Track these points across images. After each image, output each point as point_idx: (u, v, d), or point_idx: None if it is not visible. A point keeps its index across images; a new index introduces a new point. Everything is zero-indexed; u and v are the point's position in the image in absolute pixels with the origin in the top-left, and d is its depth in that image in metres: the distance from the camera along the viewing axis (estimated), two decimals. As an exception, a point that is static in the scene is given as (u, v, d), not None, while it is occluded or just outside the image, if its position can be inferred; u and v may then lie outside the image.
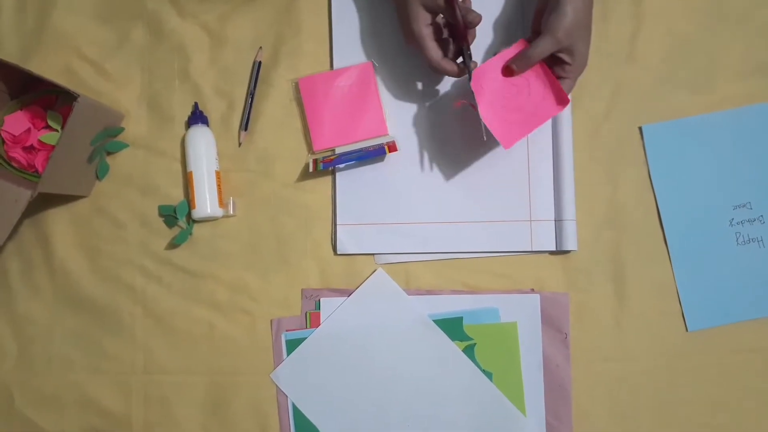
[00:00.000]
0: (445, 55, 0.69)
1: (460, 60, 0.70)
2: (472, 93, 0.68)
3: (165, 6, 0.79)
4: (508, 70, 0.67)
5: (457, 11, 0.65)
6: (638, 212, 0.76)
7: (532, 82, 0.68)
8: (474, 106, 0.68)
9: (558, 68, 0.67)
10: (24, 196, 0.66)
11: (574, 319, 0.75)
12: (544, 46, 0.65)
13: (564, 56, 0.66)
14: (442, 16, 0.68)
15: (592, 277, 0.76)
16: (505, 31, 0.76)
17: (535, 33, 0.68)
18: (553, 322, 0.75)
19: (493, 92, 0.68)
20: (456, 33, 0.68)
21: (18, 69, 0.69)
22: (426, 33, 0.67)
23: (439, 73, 0.71)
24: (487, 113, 0.68)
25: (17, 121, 0.75)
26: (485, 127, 0.68)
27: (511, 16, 0.76)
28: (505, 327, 0.75)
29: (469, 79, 0.68)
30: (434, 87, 0.77)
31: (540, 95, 0.68)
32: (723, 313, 0.75)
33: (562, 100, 0.67)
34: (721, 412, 0.74)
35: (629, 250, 0.76)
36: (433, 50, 0.68)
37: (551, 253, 0.76)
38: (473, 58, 0.69)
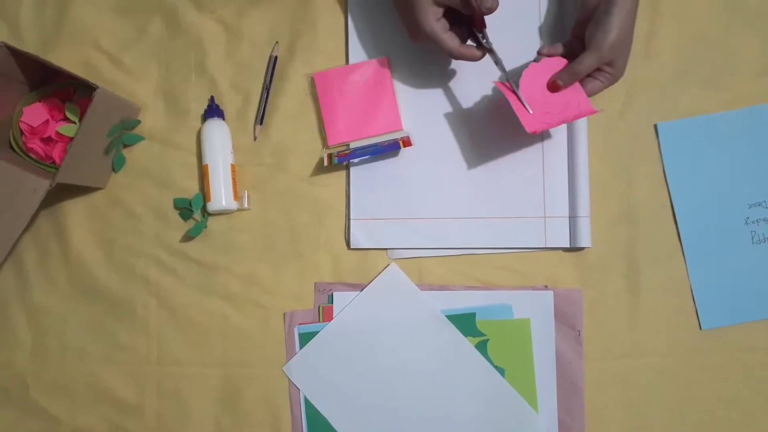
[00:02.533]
0: (461, 41, 0.69)
1: (470, 43, 0.70)
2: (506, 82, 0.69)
3: (182, 0, 0.79)
4: (553, 85, 0.68)
5: (473, 1, 0.65)
6: (653, 210, 0.76)
7: (568, 93, 0.69)
8: (511, 91, 0.69)
9: (597, 74, 0.68)
10: (42, 186, 0.67)
11: (587, 316, 0.75)
12: (589, 62, 0.66)
13: (605, 67, 0.68)
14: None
15: (605, 274, 0.75)
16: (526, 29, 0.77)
17: (576, 38, 0.69)
18: (566, 319, 0.75)
19: (531, 92, 0.70)
20: (470, 21, 0.68)
21: (38, 61, 0.70)
22: (438, 28, 0.67)
23: (460, 60, 0.70)
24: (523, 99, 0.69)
25: (36, 113, 0.75)
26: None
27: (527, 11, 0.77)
28: (518, 323, 0.75)
29: (494, 58, 0.69)
30: (449, 83, 0.77)
31: (578, 99, 0.69)
32: (737, 312, 0.75)
33: (590, 111, 0.69)
34: (735, 410, 0.74)
35: (643, 247, 0.75)
36: (450, 41, 0.68)
37: (565, 249, 0.76)
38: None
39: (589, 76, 0.69)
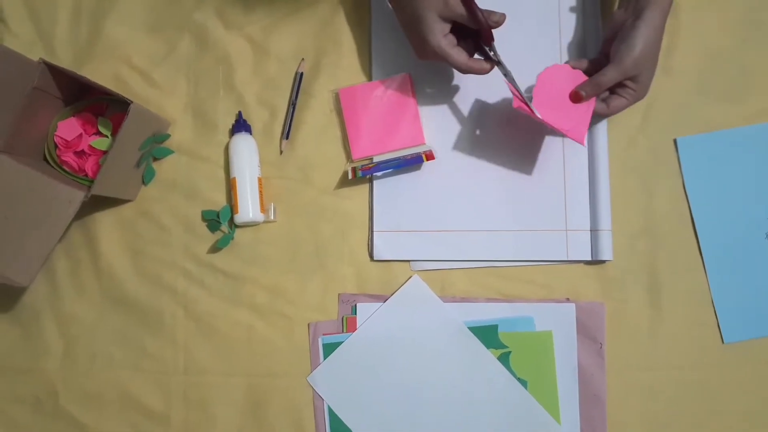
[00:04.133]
0: (468, 55, 0.70)
1: (477, 56, 0.71)
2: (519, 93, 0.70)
3: (211, 18, 0.81)
4: (576, 96, 0.69)
5: (480, 15, 0.66)
6: (673, 223, 0.77)
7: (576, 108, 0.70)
8: (522, 102, 0.70)
9: (620, 90, 0.69)
10: (77, 197, 0.69)
11: (609, 328, 0.75)
12: (612, 75, 0.67)
13: (629, 83, 0.68)
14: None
15: (627, 287, 0.76)
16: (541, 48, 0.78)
17: (603, 56, 0.70)
18: (588, 332, 0.75)
19: (548, 94, 0.70)
20: (478, 35, 0.69)
21: (73, 77, 0.73)
22: (445, 43, 0.68)
23: (468, 74, 0.71)
24: (540, 107, 0.70)
25: (70, 127, 0.78)
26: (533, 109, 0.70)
27: (546, 33, 0.78)
28: (541, 335, 0.76)
29: (503, 71, 0.70)
30: (470, 97, 0.79)
31: (580, 118, 0.70)
32: (760, 326, 0.75)
33: (580, 139, 0.70)
34: (758, 424, 0.74)
35: (665, 260, 0.76)
36: (458, 56, 0.68)
37: (587, 262, 0.76)
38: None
39: (613, 93, 0.70)
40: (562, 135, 0.75)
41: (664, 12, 0.66)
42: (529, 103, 0.69)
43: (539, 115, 0.69)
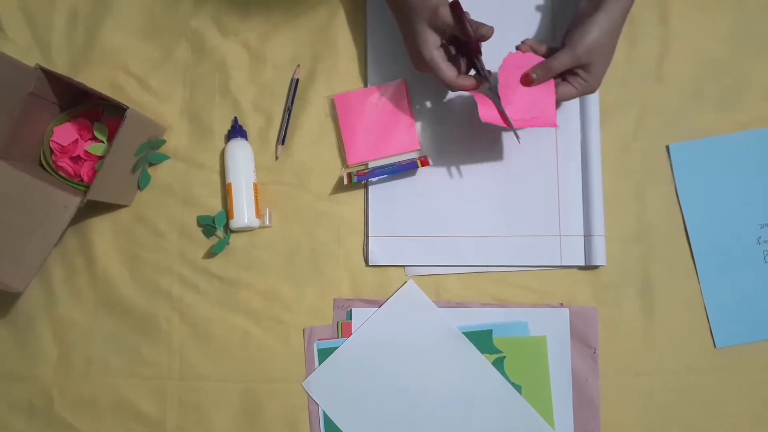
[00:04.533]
0: (459, 71, 0.70)
1: (471, 72, 0.72)
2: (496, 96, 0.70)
3: (208, 24, 0.82)
4: (527, 78, 0.69)
5: (468, 27, 0.66)
6: (666, 229, 0.77)
7: (540, 90, 0.70)
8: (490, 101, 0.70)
9: (571, 78, 0.69)
10: (73, 202, 0.69)
11: (602, 333, 0.76)
12: (563, 59, 0.67)
13: (580, 71, 0.68)
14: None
15: (620, 293, 0.77)
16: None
17: (563, 45, 0.69)
18: (582, 337, 0.76)
19: (509, 86, 0.70)
20: (467, 48, 0.69)
21: (70, 82, 0.73)
22: (437, 55, 0.68)
23: (457, 91, 0.72)
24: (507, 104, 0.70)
25: (66, 132, 0.78)
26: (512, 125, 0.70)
27: (541, 33, 0.79)
28: (535, 340, 0.76)
29: (489, 87, 0.70)
30: (465, 104, 0.79)
31: (545, 104, 0.70)
32: (751, 331, 0.76)
33: (551, 122, 0.70)
34: (750, 428, 0.75)
35: (657, 266, 0.77)
36: (448, 71, 0.69)
37: (580, 268, 0.77)
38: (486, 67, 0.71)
39: (564, 80, 0.69)
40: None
41: (625, 8, 0.67)
42: (510, 123, 0.70)
43: (513, 127, 0.70)
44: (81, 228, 0.80)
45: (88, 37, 0.83)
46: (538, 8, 0.80)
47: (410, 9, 0.67)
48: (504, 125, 0.70)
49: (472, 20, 0.67)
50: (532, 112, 0.70)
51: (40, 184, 0.70)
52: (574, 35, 0.66)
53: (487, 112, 0.69)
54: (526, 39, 0.71)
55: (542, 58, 0.70)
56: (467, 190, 0.78)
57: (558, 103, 0.70)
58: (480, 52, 0.69)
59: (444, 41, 0.69)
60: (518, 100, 0.70)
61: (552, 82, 0.69)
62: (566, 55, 0.67)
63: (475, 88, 0.70)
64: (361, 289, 0.78)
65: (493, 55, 0.70)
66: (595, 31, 0.65)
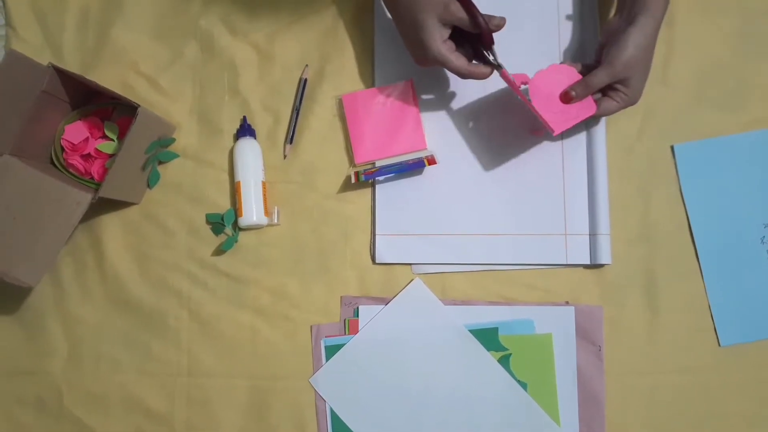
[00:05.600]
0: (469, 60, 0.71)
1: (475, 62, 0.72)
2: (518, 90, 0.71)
3: (217, 25, 0.83)
4: (566, 96, 0.70)
5: (481, 20, 0.67)
6: (671, 228, 0.78)
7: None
8: (526, 101, 0.72)
9: (612, 93, 0.70)
10: (85, 199, 0.70)
11: (607, 332, 0.77)
12: (602, 77, 0.68)
13: (620, 86, 0.69)
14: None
15: (625, 291, 0.77)
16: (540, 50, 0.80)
17: (597, 62, 0.71)
18: (587, 335, 0.76)
19: (544, 95, 0.71)
20: (477, 39, 0.70)
21: (82, 81, 0.74)
22: (445, 49, 0.69)
23: (468, 79, 0.72)
24: (539, 106, 0.71)
25: (77, 131, 0.79)
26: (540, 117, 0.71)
27: (545, 38, 0.80)
28: (540, 338, 0.77)
29: (503, 75, 0.71)
30: (471, 104, 0.80)
31: (568, 115, 0.71)
32: (755, 329, 0.77)
33: (559, 126, 0.71)
34: (754, 426, 0.75)
35: (662, 265, 0.77)
36: (458, 61, 0.70)
37: (586, 266, 0.78)
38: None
39: (604, 95, 0.71)
40: (546, 132, 0.76)
41: (657, 20, 0.68)
42: (525, 94, 0.71)
43: (531, 101, 0.70)
44: (91, 225, 0.81)
45: (99, 36, 0.83)
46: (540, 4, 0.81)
47: (418, 5, 0.68)
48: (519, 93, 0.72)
49: (482, 13, 0.68)
50: (551, 115, 0.71)
51: (52, 181, 0.70)
52: (611, 53, 0.68)
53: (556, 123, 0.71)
54: (563, 62, 0.73)
55: (574, 71, 0.71)
56: (474, 189, 0.79)
57: (599, 117, 0.73)
58: (493, 42, 0.69)
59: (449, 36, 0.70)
60: (552, 105, 0.71)
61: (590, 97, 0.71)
62: (604, 72, 0.68)
63: (487, 76, 0.71)
64: (368, 286, 0.79)
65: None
66: (630, 48, 0.67)
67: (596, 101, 0.71)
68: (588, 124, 0.78)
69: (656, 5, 0.67)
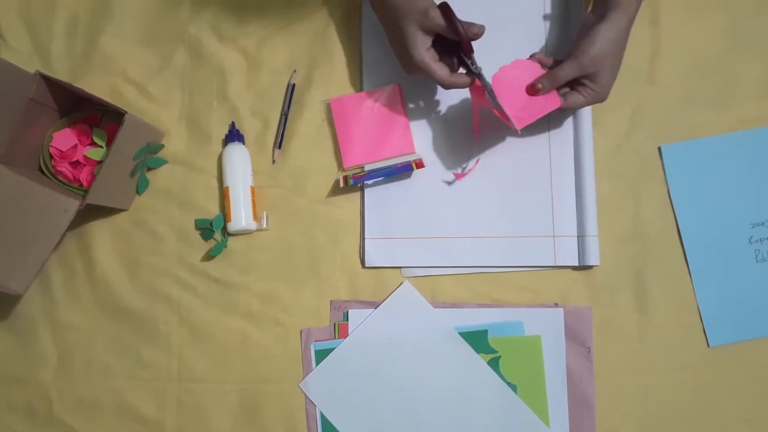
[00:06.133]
0: (451, 70, 0.71)
1: (461, 70, 0.72)
2: (490, 92, 0.71)
3: (206, 31, 0.83)
4: (533, 88, 0.70)
5: (460, 27, 0.67)
6: (659, 229, 0.78)
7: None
8: (489, 105, 0.71)
9: (580, 87, 0.70)
10: (73, 206, 0.70)
11: (597, 333, 0.77)
12: (569, 70, 0.68)
13: (587, 81, 0.69)
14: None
15: (614, 292, 0.77)
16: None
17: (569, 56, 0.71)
18: (576, 336, 0.77)
19: (508, 90, 0.71)
20: (459, 47, 0.70)
21: (69, 89, 0.74)
22: (428, 57, 0.69)
23: (450, 89, 0.73)
24: (504, 103, 0.71)
25: (65, 138, 0.79)
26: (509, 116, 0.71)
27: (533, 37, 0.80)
28: (530, 340, 0.77)
29: (483, 83, 0.71)
30: (459, 107, 0.80)
31: (533, 109, 0.71)
32: (743, 329, 0.77)
33: (521, 122, 0.71)
34: (746, 426, 0.75)
35: (650, 265, 0.78)
36: (441, 71, 0.70)
37: (574, 268, 0.78)
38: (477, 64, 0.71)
39: (572, 89, 0.71)
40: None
41: (629, 17, 0.68)
42: (503, 109, 0.70)
43: (509, 116, 0.70)
44: (80, 232, 0.81)
45: (88, 44, 0.84)
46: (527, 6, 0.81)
47: (398, 12, 0.68)
48: (501, 117, 0.72)
49: (462, 20, 0.68)
50: (530, 110, 0.71)
51: (40, 188, 0.70)
52: (580, 46, 0.68)
53: (482, 100, 0.71)
54: (535, 53, 0.73)
55: (538, 66, 0.71)
56: (462, 191, 0.79)
57: (568, 111, 0.72)
58: (472, 50, 0.70)
59: (433, 44, 0.70)
60: (516, 101, 0.71)
61: (554, 92, 0.71)
62: (571, 65, 0.68)
63: (468, 86, 0.71)
64: (358, 290, 0.79)
65: (485, 53, 0.71)
66: (599, 42, 0.67)
67: (563, 95, 0.71)
68: (575, 123, 0.78)
69: (628, 1, 0.67)
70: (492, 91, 0.71)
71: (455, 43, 0.70)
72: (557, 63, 0.71)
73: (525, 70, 0.71)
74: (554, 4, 0.80)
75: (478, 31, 0.69)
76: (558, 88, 0.71)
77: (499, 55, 0.71)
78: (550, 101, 0.71)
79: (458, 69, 0.73)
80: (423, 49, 0.69)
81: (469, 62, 0.71)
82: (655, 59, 0.80)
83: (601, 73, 0.69)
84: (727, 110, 0.79)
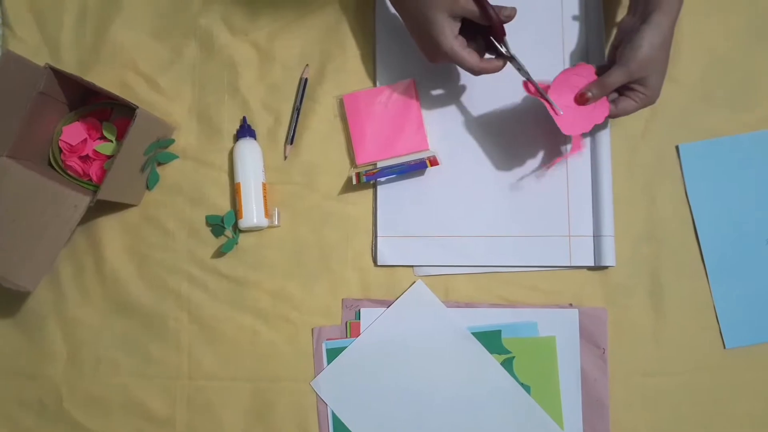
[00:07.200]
0: (480, 56, 0.70)
1: (486, 56, 0.71)
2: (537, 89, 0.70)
3: (217, 24, 0.82)
4: (582, 97, 0.69)
5: (491, 11, 0.66)
6: (675, 229, 0.77)
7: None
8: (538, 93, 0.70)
9: (630, 92, 0.69)
10: (83, 202, 0.69)
11: (612, 334, 0.76)
12: (617, 76, 0.67)
13: (636, 86, 0.68)
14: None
15: (630, 293, 0.77)
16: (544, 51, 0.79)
17: (611, 63, 0.70)
18: (591, 337, 0.76)
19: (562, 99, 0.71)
20: (487, 31, 0.69)
21: (79, 82, 0.73)
22: (457, 45, 0.68)
23: (481, 75, 0.71)
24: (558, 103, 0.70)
25: (75, 132, 0.78)
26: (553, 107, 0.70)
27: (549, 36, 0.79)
28: (544, 341, 0.76)
29: (517, 66, 0.70)
30: (474, 103, 0.79)
31: (584, 118, 0.70)
32: (761, 331, 0.76)
33: (572, 129, 0.70)
34: (760, 429, 0.75)
35: (667, 266, 0.77)
36: (471, 57, 0.68)
37: (589, 268, 0.77)
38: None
39: (622, 95, 0.70)
40: (565, 140, 0.76)
41: (672, 18, 0.67)
42: (544, 93, 0.69)
43: (551, 101, 0.69)
44: (90, 227, 0.80)
45: (97, 36, 0.82)
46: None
47: (427, 0, 0.67)
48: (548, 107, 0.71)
49: (493, 5, 0.67)
50: (579, 118, 0.70)
51: (50, 183, 0.70)
52: (625, 52, 0.67)
53: (564, 124, 0.70)
54: (573, 64, 0.71)
55: (593, 70, 0.70)
56: (476, 190, 0.78)
57: (617, 117, 0.71)
58: (504, 33, 0.68)
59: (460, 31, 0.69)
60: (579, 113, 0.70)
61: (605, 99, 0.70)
62: (620, 72, 0.67)
63: (500, 69, 0.70)
64: (370, 289, 0.78)
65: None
66: (645, 46, 0.66)
67: (613, 102, 0.70)
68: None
69: (670, 2, 0.66)
70: (527, 73, 0.70)
71: (481, 27, 0.68)
72: (599, 69, 0.70)
73: (579, 75, 0.70)
74: (571, 5, 0.79)
75: (510, 14, 0.68)
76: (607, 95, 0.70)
77: (515, 53, 0.70)
78: (599, 108, 0.70)
79: (485, 55, 0.71)
80: (452, 36, 0.67)
81: (501, 46, 0.69)
82: (674, 58, 0.78)
83: (650, 77, 0.67)
84: (746, 110, 0.78)
